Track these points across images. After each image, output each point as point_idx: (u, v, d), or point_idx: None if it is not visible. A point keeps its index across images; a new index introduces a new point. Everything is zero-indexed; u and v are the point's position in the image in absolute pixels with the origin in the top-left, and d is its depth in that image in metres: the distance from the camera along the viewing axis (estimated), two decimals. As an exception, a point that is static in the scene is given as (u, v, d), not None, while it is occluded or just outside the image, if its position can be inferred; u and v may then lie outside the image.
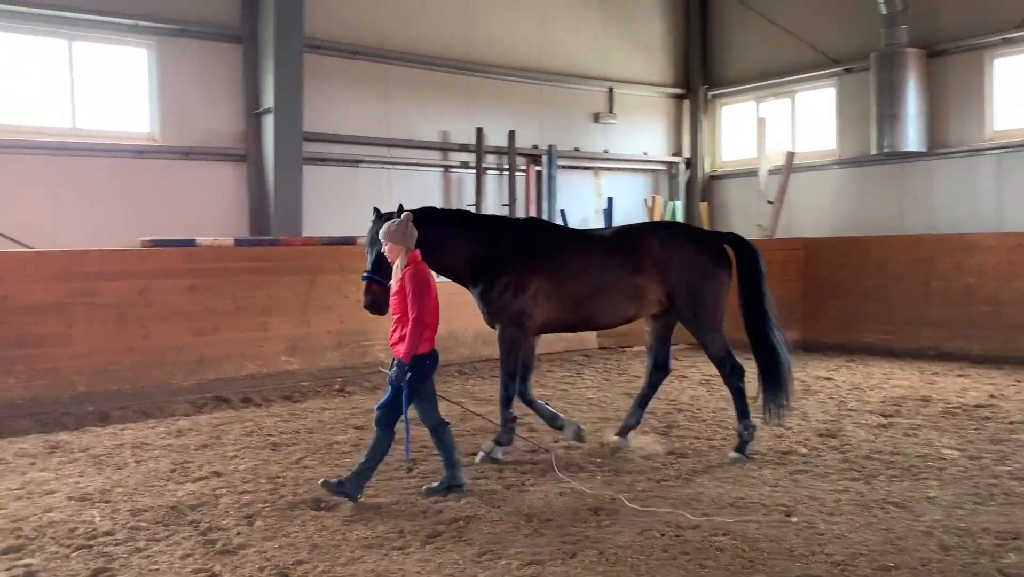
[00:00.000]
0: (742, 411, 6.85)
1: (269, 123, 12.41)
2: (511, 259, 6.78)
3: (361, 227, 12.65)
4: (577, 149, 16.77)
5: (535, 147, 16.03)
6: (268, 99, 12.39)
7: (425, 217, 6.32)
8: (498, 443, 6.85)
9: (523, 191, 15.80)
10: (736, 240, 7.14)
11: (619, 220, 17.02)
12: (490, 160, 15.47)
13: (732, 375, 6.89)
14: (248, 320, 10.15)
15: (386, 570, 4.50)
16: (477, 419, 7.67)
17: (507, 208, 15.41)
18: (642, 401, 7.30)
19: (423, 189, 14.71)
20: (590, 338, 13.26)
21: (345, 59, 13.71)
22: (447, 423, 5.94)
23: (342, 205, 13.41)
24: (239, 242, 11.26)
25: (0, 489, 6.06)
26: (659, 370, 7.28)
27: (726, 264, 6.98)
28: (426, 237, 6.09)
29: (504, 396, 6.89)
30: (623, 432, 7.22)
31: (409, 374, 5.60)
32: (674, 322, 7.19)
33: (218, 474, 6.41)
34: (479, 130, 15.00)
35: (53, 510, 5.53)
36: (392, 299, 5.79)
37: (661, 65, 18.17)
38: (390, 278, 5.96)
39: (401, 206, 6.21)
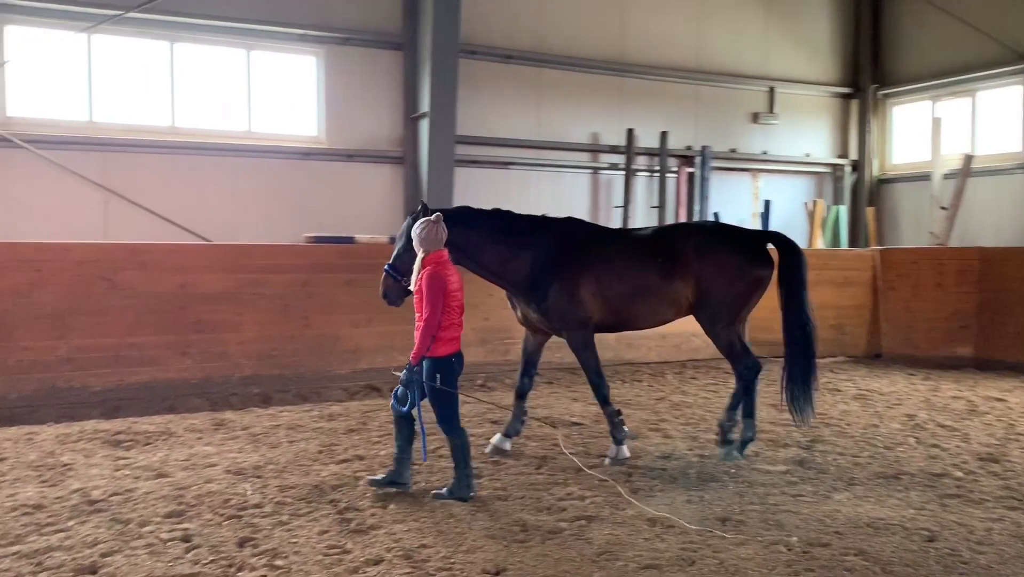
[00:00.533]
0: (749, 409, 6.91)
1: (425, 127, 12.91)
2: (559, 264, 6.77)
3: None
4: (733, 150, 16.34)
5: (688, 148, 15.76)
6: (424, 104, 12.88)
7: (460, 217, 6.49)
8: (617, 442, 6.85)
9: (673, 193, 15.59)
10: (780, 239, 7.11)
11: (777, 224, 16.45)
12: (640, 162, 15.35)
13: (748, 371, 6.87)
14: (400, 314, 10.48)
15: (504, 561, 4.62)
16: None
17: (656, 210, 15.25)
18: (747, 412, 7.01)
19: (571, 190, 14.83)
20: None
21: (499, 63, 14.03)
22: (464, 430, 5.83)
23: (491, 205, 13.68)
24: (393, 240, 11.76)
25: (170, 460, 6.69)
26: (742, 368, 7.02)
27: (764, 264, 6.94)
28: (462, 238, 6.34)
29: (600, 396, 6.94)
30: (741, 446, 7.00)
31: (437, 375, 5.64)
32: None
33: (360, 458, 6.77)
34: (630, 131, 14.92)
35: (212, 481, 6.05)
36: (415, 297, 5.77)
37: (827, 63, 17.36)
38: (406, 274, 6.06)
39: (424, 205, 6.18)
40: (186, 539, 4.91)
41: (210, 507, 5.48)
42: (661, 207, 15.22)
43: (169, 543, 4.85)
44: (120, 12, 10.25)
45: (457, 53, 12.86)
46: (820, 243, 16.33)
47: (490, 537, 4.99)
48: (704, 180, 15.54)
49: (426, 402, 5.81)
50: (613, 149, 15.13)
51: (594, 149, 15.13)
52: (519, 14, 14.22)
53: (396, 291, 6.39)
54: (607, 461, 6.74)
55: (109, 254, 9.20)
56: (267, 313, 9.81)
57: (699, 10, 15.91)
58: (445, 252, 5.78)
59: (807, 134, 17.27)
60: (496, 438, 7.12)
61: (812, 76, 17.20)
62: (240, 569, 4.51)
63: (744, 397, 6.92)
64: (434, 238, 5.71)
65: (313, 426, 8.00)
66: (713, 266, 6.82)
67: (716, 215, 15.55)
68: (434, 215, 5.81)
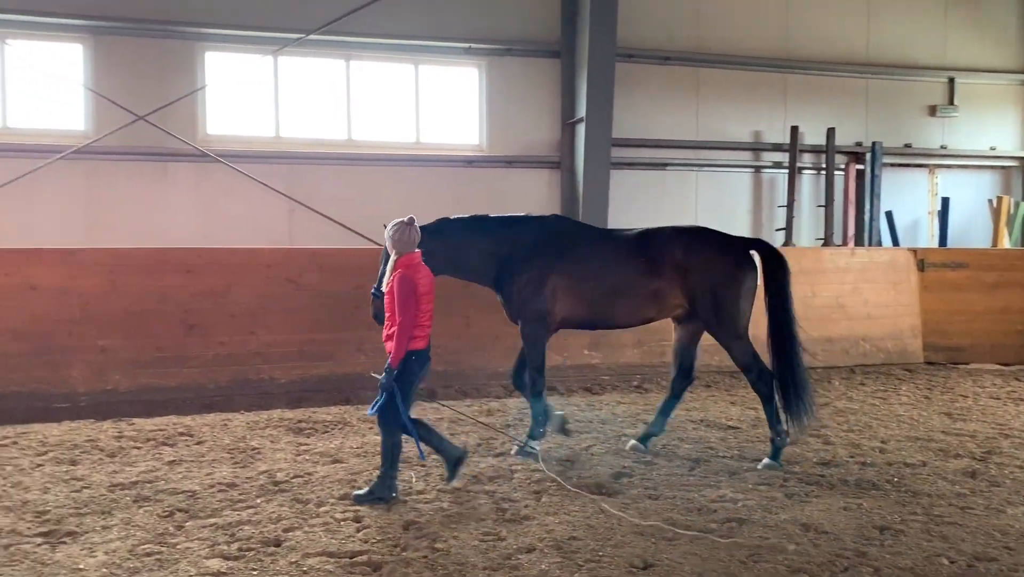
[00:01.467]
0: (773, 418, 6.76)
1: (581, 131, 13.15)
2: (529, 258, 6.92)
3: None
4: (908, 145, 15.50)
5: (858, 144, 15.11)
6: (581, 109, 13.13)
7: (439, 229, 6.79)
8: (531, 437, 7.01)
9: (841, 191, 14.98)
10: (763, 246, 7.06)
11: (958, 223, 15.46)
12: (805, 159, 14.89)
13: (759, 381, 6.81)
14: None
15: (652, 557, 4.75)
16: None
17: (823, 209, 14.72)
18: (664, 409, 7.26)
19: (732, 190, 14.61)
20: (914, 351, 12.27)
21: (656, 65, 14.06)
22: (399, 431, 5.83)
23: (648, 208, 13.79)
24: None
25: (344, 447, 7.27)
26: (683, 377, 7.24)
27: (750, 269, 6.90)
28: (443, 248, 6.65)
29: (534, 391, 7.05)
30: (644, 439, 7.21)
31: (397, 374, 5.73)
32: (701, 329, 7.09)
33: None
34: (794, 128, 14.49)
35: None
36: (386, 299, 5.88)
37: (1015, 49, 16.10)
38: None
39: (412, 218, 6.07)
40: (357, 520, 5.37)
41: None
42: (828, 205, 14.68)
43: (343, 522, 5.32)
44: (302, 35, 11.13)
45: (614, 58, 13.01)
46: (1006, 242, 15.17)
47: (638, 534, 5.13)
48: (875, 177, 14.84)
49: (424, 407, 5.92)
50: (776, 147, 14.76)
51: (756, 148, 14.82)
52: (677, 16, 14.19)
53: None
54: (513, 452, 6.96)
55: (294, 258, 10.04)
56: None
57: (869, 0, 15.21)
58: (418, 255, 5.90)
59: (992, 125, 16.11)
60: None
61: (997, 64, 16.02)
62: (404, 549, 4.88)
63: (768, 408, 6.81)
64: (407, 240, 5.82)
65: (473, 420, 8.39)
66: (699, 262, 6.87)
67: (889, 214, 14.82)
68: (407, 218, 5.91)
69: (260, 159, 12.39)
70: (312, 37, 11.32)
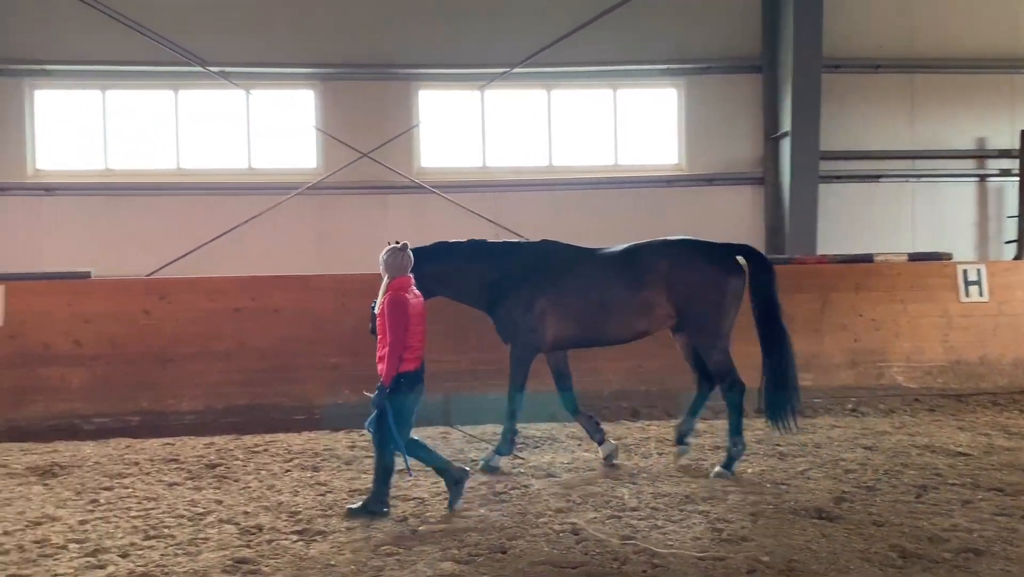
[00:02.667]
0: (736, 427, 6.95)
1: (786, 146, 12.84)
2: (518, 280, 7.18)
3: (879, 243, 12.35)
4: None
5: (1102, 146, 13.65)
6: (786, 123, 12.82)
7: (437, 253, 7.12)
8: (498, 452, 7.28)
9: (1084, 198, 13.57)
10: (749, 252, 7.14)
11: None
12: (1040, 165, 13.64)
13: (732, 390, 6.99)
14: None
15: (880, 584, 4.60)
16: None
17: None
18: (693, 409, 7.56)
19: (952, 201, 13.67)
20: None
21: (865, 74, 13.49)
22: (392, 452, 5.97)
23: (858, 222, 13.20)
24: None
25: (556, 462, 7.53)
26: (707, 380, 7.42)
27: (736, 276, 7.01)
28: (440, 271, 7.06)
29: (509, 410, 7.37)
30: (679, 439, 7.50)
31: (389, 393, 5.85)
32: None
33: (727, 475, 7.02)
34: (1025, 133, 13.36)
35: (594, 483, 6.73)
36: (377, 321, 6.02)
37: None
38: None
39: (405, 244, 6.21)
40: (575, 532, 5.58)
41: (593, 506, 6.13)
42: (1067, 215, 13.36)
43: (561, 534, 5.55)
44: (507, 69, 11.71)
45: (820, 69, 12.63)
46: None
47: (865, 560, 4.97)
48: None
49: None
50: (1003, 153, 13.65)
51: (980, 155, 13.80)
52: (886, 22, 13.54)
53: None
54: (480, 465, 7.20)
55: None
56: (635, 332, 10.44)
57: (1114, -14, 13.79)
58: (410, 279, 6.10)
59: None
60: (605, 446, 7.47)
61: None
62: (624, 563, 5.02)
63: (735, 417, 7.00)
64: (399, 264, 6.03)
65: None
66: (688, 280, 7.00)
67: None
68: (400, 244, 6.11)
69: (468, 188, 13.09)
70: (516, 70, 11.87)
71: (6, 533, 5.66)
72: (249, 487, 6.79)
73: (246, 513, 6.07)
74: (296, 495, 6.58)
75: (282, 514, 6.06)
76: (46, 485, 6.91)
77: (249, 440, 8.58)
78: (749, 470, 7.11)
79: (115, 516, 6.03)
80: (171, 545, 5.39)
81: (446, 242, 7.52)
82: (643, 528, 5.63)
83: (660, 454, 7.83)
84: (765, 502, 6.15)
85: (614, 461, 7.37)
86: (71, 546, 5.38)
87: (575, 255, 7.59)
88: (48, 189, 12.98)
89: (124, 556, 5.19)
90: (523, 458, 7.77)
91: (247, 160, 13.35)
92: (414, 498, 6.41)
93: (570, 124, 13.69)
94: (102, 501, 6.43)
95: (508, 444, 7.40)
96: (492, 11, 13.14)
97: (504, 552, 5.24)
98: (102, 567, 5.00)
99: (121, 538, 5.52)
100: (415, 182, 12.48)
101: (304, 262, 12.76)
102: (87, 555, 5.20)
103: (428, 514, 6.03)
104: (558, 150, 13.63)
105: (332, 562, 5.09)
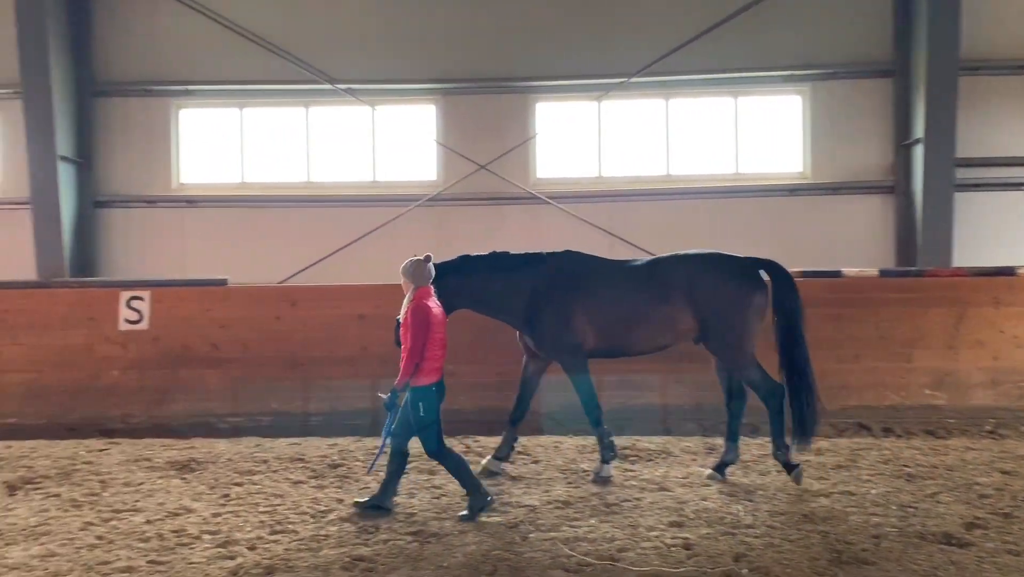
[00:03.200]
0: (779, 431, 7.02)
1: (918, 153, 12.24)
2: (553, 293, 7.28)
3: (1021, 255, 11.57)
4: None
5: None
6: (918, 129, 12.24)
7: (460, 266, 7.20)
8: (604, 461, 7.31)
9: None
10: (773, 268, 7.19)
11: None
12: None
13: (772, 397, 7.05)
14: (891, 350, 10.17)
15: (1016, 617, 4.33)
16: None
17: None
18: (731, 435, 7.35)
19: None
20: None
21: (1008, 76, 12.69)
22: (449, 450, 6.29)
23: (999, 232, 12.40)
24: (884, 273, 11.33)
25: (669, 476, 7.44)
26: (735, 399, 7.39)
27: (758, 290, 7.06)
28: (463, 285, 7.15)
29: (592, 418, 7.39)
30: (719, 468, 7.27)
31: (420, 404, 6.08)
32: None
33: (850, 494, 6.76)
34: None
35: (707, 499, 6.62)
36: (401, 330, 6.24)
37: None
38: None
39: (428, 256, 6.46)
40: (687, 547, 5.51)
41: (707, 521, 6.03)
42: None
43: (672, 548, 5.49)
44: (624, 79, 11.71)
45: (957, 72, 11.98)
46: None
47: (999, 590, 4.69)
48: None
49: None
50: None
51: None
52: (1033, 19, 12.72)
53: None
54: (591, 478, 7.21)
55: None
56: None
57: None
58: (431, 289, 6.34)
59: None
60: (487, 460, 7.52)
61: None
62: (736, 580, 4.94)
63: (775, 422, 7.03)
64: (424, 274, 6.30)
65: (801, 459, 8.10)
66: (708, 292, 7.06)
67: None
68: (424, 256, 6.39)
69: (583, 198, 13.13)
70: (634, 80, 11.85)
71: (148, 522, 6.09)
72: (368, 487, 7.04)
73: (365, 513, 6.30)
74: (412, 497, 6.77)
75: (398, 515, 6.26)
76: (184, 479, 7.39)
77: (370, 442, 8.87)
78: (873, 491, 6.82)
79: (244, 510, 6.38)
80: (294, 540, 5.66)
81: (469, 256, 7.58)
82: (758, 546, 5.51)
83: (779, 472, 7.60)
84: (889, 524, 5.89)
85: (495, 472, 7.46)
86: (204, 537, 5.74)
87: (602, 267, 7.66)
88: (190, 201, 13.87)
89: (251, 549, 5.49)
90: (635, 470, 7.72)
91: (371, 173, 13.85)
92: (525, 505, 6.49)
93: (689, 133, 13.52)
94: (233, 496, 6.82)
95: (608, 449, 7.42)
96: (609, 22, 13.15)
97: (614, 563, 5.24)
98: (231, 558, 5.32)
99: (249, 531, 5.85)
100: (531, 193, 12.62)
101: (424, 272, 13.10)
102: (218, 546, 5.54)
103: (540, 521, 6.09)
104: (676, 159, 13.49)
105: (444, 564, 5.23)
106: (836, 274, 11.19)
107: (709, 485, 7.08)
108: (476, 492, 6.24)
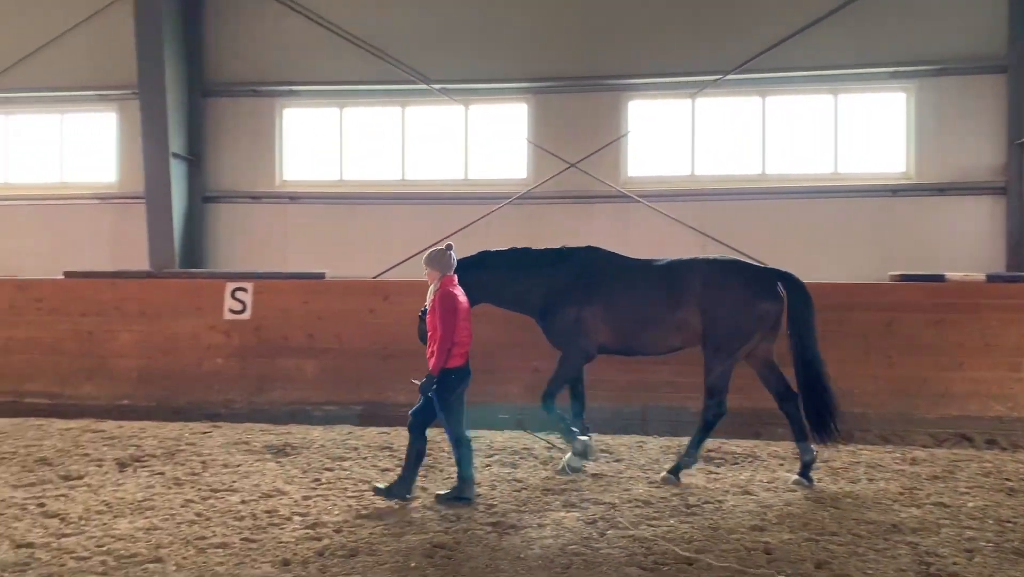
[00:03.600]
0: (698, 442, 7.31)
1: (1035, 152, 11.61)
2: (570, 289, 7.53)
3: None
4: None
5: None
6: (1034, 126, 11.61)
7: (480, 261, 7.42)
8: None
9: None
10: (789, 280, 7.29)
11: None
12: None
13: (710, 410, 7.24)
14: (997, 359, 9.72)
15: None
16: None
17: None
18: (798, 436, 7.29)
19: None
20: None
21: None
22: (468, 439, 6.49)
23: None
24: (991, 278, 10.80)
25: (754, 480, 7.34)
26: (786, 401, 7.36)
27: (767, 300, 7.17)
28: (484, 279, 7.37)
29: (548, 391, 7.53)
30: (803, 473, 7.20)
31: (436, 385, 6.23)
32: (771, 348, 7.38)
33: (944, 505, 6.52)
34: None
35: (792, 504, 6.50)
36: (428, 317, 6.43)
37: None
38: None
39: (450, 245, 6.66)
40: (767, 551, 5.44)
41: (790, 527, 5.93)
42: None
43: (753, 552, 5.43)
44: (719, 76, 11.53)
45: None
46: None
47: (1100, 613, 4.46)
48: None
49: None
50: None
51: None
52: None
53: None
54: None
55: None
56: (847, 351, 9.88)
57: None
58: (455, 278, 6.51)
59: None
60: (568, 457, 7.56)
61: None
62: (816, 587, 4.85)
63: (701, 434, 7.29)
64: (447, 263, 6.48)
65: (894, 468, 7.89)
66: (719, 298, 7.20)
67: None
68: (444, 244, 6.60)
69: (675, 197, 12.99)
70: (729, 77, 11.66)
71: (243, 502, 6.42)
72: (451, 478, 7.20)
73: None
74: (493, 489, 6.90)
75: (479, 506, 6.40)
76: (279, 462, 7.73)
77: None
78: (970, 504, 6.56)
79: (333, 495, 6.64)
80: (379, 525, 5.87)
81: (489, 251, 7.86)
82: (841, 554, 5.39)
83: (870, 480, 7.40)
84: (984, 539, 5.66)
85: (578, 467, 7.55)
86: (295, 518, 6.01)
87: (625, 266, 7.84)
88: (292, 198, 14.41)
89: (338, 531, 5.72)
90: (719, 473, 7.64)
91: (463, 171, 14.07)
92: (605, 503, 6.52)
93: (785, 131, 13.19)
94: (324, 480, 7.11)
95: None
96: (704, 20, 12.96)
97: (691, 564, 5.22)
98: (318, 539, 5.55)
99: (337, 515, 6.09)
100: (620, 191, 12.57)
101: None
102: (307, 527, 5.80)
103: (618, 519, 6.11)
104: (772, 158, 13.18)
105: (522, 555, 5.32)
106: (939, 278, 10.75)
107: (795, 490, 6.96)
108: (466, 485, 6.46)
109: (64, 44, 14.36)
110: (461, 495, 6.45)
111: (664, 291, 7.43)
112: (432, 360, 6.34)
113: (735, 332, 7.20)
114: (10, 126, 15.28)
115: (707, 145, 13.38)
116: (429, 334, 6.44)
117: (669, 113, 13.28)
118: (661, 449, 8.57)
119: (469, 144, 14.08)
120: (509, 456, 8.18)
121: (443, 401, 6.36)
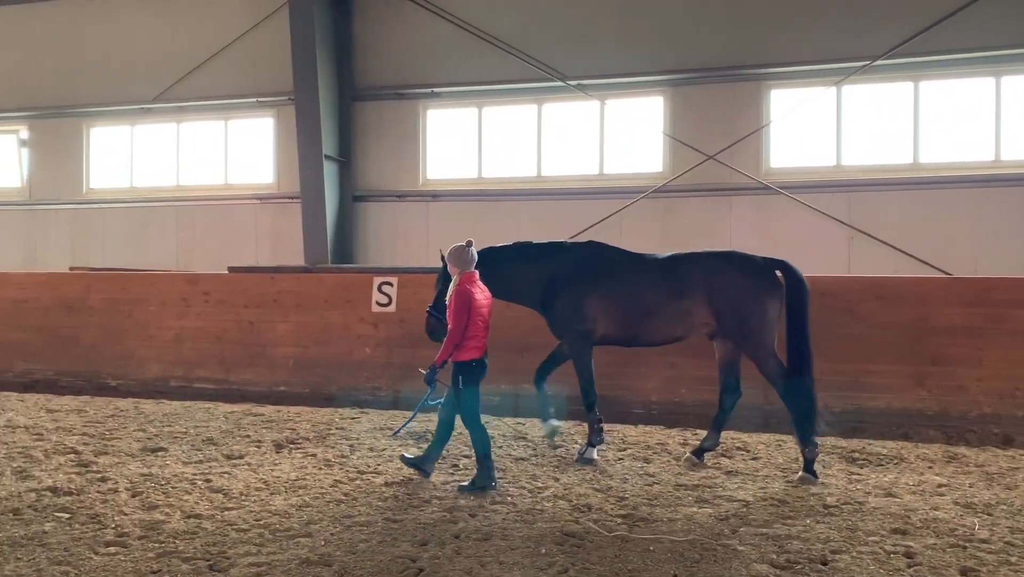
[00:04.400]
0: (810, 429, 7.16)
1: None
2: (572, 280, 7.72)
3: None
4: None
5: None
6: None
7: (484, 258, 7.29)
8: (590, 444, 7.65)
9: None
10: (785, 267, 7.40)
11: None
12: None
13: (788, 395, 7.24)
14: None
15: None
16: None
17: None
18: (717, 424, 7.77)
19: None
20: None
21: None
22: (483, 427, 6.65)
23: None
24: None
25: (899, 482, 7.05)
26: (729, 393, 7.75)
27: (773, 288, 7.34)
28: (490, 274, 7.24)
29: (587, 401, 7.79)
30: (698, 452, 7.70)
31: (461, 376, 6.56)
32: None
33: (1114, 518, 6.05)
34: None
35: (939, 509, 6.21)
36: (448, 311, 6.67)
37: None
38: (445, 313, 7.06)
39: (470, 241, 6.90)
40: (909, 555, 5.24)
41: (935, 532, 5.68)
42: None
43: (892, 556, 5.24)
44: (867, 62, 11.05)
45: None
46: None
47: None
48: None
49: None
50: None
51: None
52: None
53: (439, 328, 7.46)
54: (576, 458, 7.60)
55: (851, 287, 9.97)
56: (1010, 350, 9.28)
57: None
58: (476, 273, 6.71)
59: None
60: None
61: None
62: (961, 595, 4.65)
63: (798, 416, 7.23)
64: (466, 259, 6.68)
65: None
66: (722, 282, 7.39)
67: None
68: (466, 241, 6.77)
69: (819, 188, 12.56)
70: (878, 63, 11.15)
71: (387, 484, 6.79)
72: (583, 469, 7.33)
73: (579, 493, 6.59)
74: (625, 482, 6.98)
75: (610, 498, 6.49)
76: (420, 448, 8.10)
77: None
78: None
79: (469, 480, 6.91)
80: (512, 512, 6.07)
81: (494, 247, 8.03)
82: (991, 562, 5.12)
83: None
84: None
85: (554, 440, 8.16)
86: (433, 501, 6.32)
87: (627, 259, 7.95)
88: (434, 196, 14.94)
89: (473, 516, 5.97)
90: (862, 474, 7.38)
91: (598, 166, 14.14)
92: (738, 500, 6.46)
93: (940, 117, 12.44)
94: (461, 466, 7.41)
95: (596, 434, 7.74)
96: (849, 3, 12.41)
97: (825, 564, 5.12)
98: (454, 522, 5.82)
99: (473, 500, 6.35)
100: (762, 183, 12.27)
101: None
102: (444, 510, 6.08)
103: (751, 516, 6.05)
104: (926, 146, 12.47)
105: (651, 548, 5.38)
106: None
107: (943, 495, 6.63)
108: (487, 473, 6.61)
109: (227, 56, 15.50)
110: (481, 483, 6.60)
111: (668, 282, 7.61)
112: (440, 353, 6.68)
113: (758, 323, 7.35)
114: (181, 133, 16.64)
115: (854, 134, 12.83)
116: (449, 325, 6.68)
117: (812, 101, 12.81)
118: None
119: (604, 139, 14.13)
120: (642, 451, 8.22)
121: (466, 389, 6.64)
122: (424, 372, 6.83)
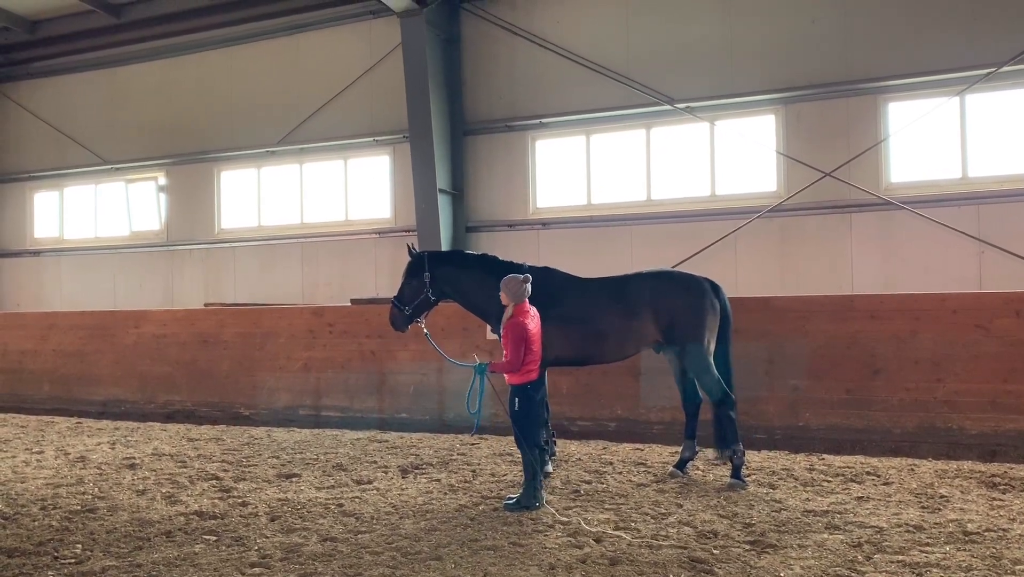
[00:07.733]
0: (733, 436, 7.70)
1: None
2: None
3: None
4: None
5: None
6: None
7: (452, 258, 8.07)
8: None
9: None
10: (713, 286, 7.98)
11: None
12: None
13: (724, 404, 7.70)
14: None
15: None
16: None
17: None
18: (689, 433, 8.17)
19: None
20: None
21: None
22: (543, 449, 7.00)
23: None
24: None
25: (1047, 509, 6.66)
26: (690, 401, 8.16)
27: (712, 306, 7.83)
28: (452, 275, 7.95)
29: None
30: (680, 465, 8.12)
31: (518, 398, 6.85)
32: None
33: None
34: None
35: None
36: (502, 339, 6.91)
37: None
38: (408, 304, 8.07)
39: (410, 246, 7.93)
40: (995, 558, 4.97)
41: (1090, 562, 5.36)
42: None
43: (1044, 587, 4.99)
44: (991, 69, 10.60)
45: None
46: None
47: None
48: None
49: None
50: None
51: None
52: None
53: (400, 319, 8.11)
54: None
55: (984, 303, 9.52)
56: None
57: None
58: (526, 303, 6.92)
59: None
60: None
61: None
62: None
63: (727, 426, 7.69)
64: (520, 293, 6.87)
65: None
66: (669, 306, 7.74)
67: None
68: (523, 276, 6.95)
69: (945, 202, 12.07)
70: (1004, 69, 10.68)
71: (510, 510, 6.92)
72: (707, 495, 7.27)
73: (704, 519, 6.54)
74: (751, 508, 6.87)
75: (737, 524, 6.41)
76: (543, 474, 8.20)
77: (710, 452, 9.08)
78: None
79: (592, 506, 6.97)
80: (636, 537, 6.09)
81: (463, 251, 8.50)
82: None
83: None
84: None
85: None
86: (557, 526, 6.40)
87: (577, 284, 8.09)
88: (544, 224, 15.15)
89: (598, 541, 6.02)
90: (1005, 500, 7.02)
91: (709, 188, 14.01)
92: (871, 526, 6.27)
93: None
94: (583, 492, 7.46)
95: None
96: (968, 10, 11.92)
97: (971, 594, 4.91)
98: (579, 548, 5.88)
99: (596, 526, 6.39)
100: (882, 199, 11.88)
101: (766, 283, 12.95)
102: (568, 536, 6.15)
103: (886, 543, 5.86)
104: (1062, 152, 11.81)
105: (780, 574, 5.29)
106: None
107: (1098, 523, 6.23)
108: (532, 493, 6.78)
109: (344, 99, 16.27)
110: (527, 502, 6.80)
111: (615, 303, 7.85)
112: (509, 380, 6.94)
113: (699, 338, 7.71)
114: (304, 173, 17.52)
115: (980, 144, 12.27)
116: (505, 352, 6.90)
117: (933, 113, 12.34)
118: (936, 473, 8.01)
119: (715, 160, 14.01)
120: (767, 476, 8.07)
121: (523, 411, 6.87)
122: (477, 361, 7.11)
